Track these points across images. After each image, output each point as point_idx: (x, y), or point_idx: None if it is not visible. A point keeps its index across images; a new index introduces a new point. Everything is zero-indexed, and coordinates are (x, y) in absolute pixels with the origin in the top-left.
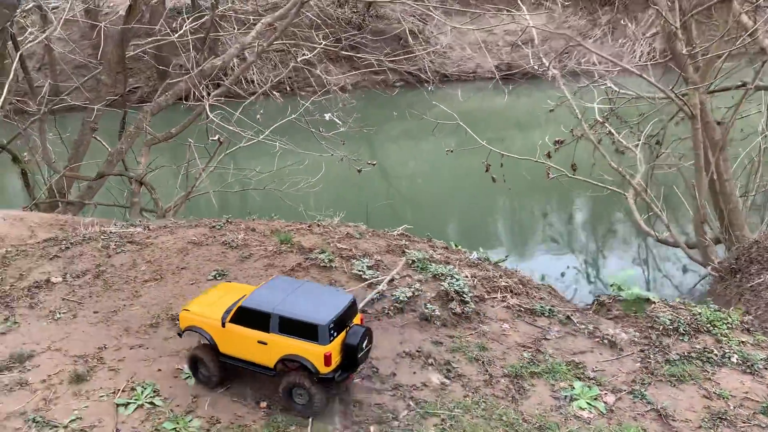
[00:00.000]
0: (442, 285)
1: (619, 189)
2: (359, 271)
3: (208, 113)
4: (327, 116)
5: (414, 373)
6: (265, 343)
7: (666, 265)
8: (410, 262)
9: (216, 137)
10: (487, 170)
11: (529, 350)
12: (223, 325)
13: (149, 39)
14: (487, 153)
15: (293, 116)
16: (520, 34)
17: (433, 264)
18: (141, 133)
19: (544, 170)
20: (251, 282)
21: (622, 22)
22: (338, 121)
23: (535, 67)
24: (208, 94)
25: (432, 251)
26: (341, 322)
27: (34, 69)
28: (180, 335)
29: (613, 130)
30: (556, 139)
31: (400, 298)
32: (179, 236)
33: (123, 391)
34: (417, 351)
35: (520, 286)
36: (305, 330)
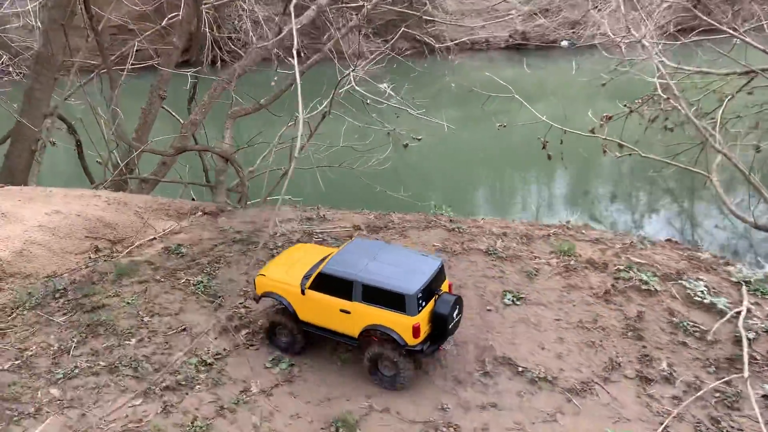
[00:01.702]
0: None
1: (699, 170)
2: (699, 296)
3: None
4: (382, 86)
5: None
6: (348, 312)
7: None
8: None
9: (324, 107)
10: (544, 147)
11: None
12: (303, 292)
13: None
14: (533, 126)
15: (347, 87)
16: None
17: None
18: (216, 102)
19: (596, 147)
20: None
21: None
22: (393, 93)
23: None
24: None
25: None
26: (429, 290)
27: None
28: (257, 300)
29: (684, 107)
30: (605, 114)
31: None
32: (417, 241)
33: None
34: None
35: None
36: (392, 299)
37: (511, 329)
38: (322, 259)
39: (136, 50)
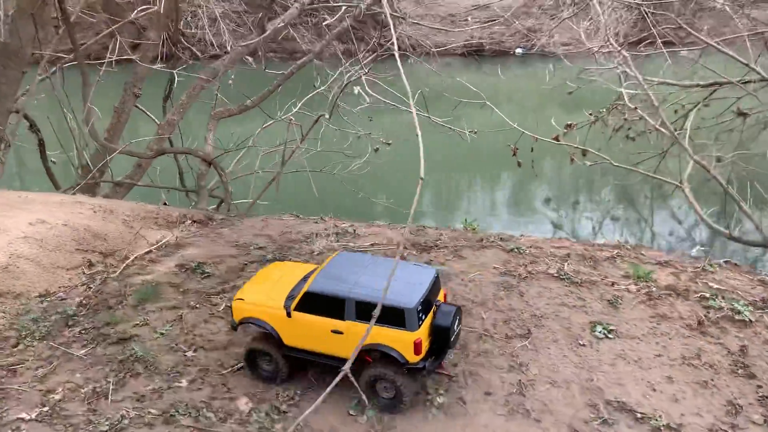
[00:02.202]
0: None
1: (672, 180)
2: None
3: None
4: (356, 90)
5: None
6: (340, 333)
7: None
8: None
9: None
10: (514, 154)
11: None
12: (289, 314)
13: None
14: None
15: (322, 88)
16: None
17: None
18: (195, 100)
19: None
20: None
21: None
22: (366, 96)
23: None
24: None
25: None
26: (427, 302)
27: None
28: (234, 328)
29: (663, 117)
30: (567, 123)
31: None
32: (475, 262)
33: None
34: None
35: None
36: (389, 315)
37: (611, 367)
38: (305, 278)
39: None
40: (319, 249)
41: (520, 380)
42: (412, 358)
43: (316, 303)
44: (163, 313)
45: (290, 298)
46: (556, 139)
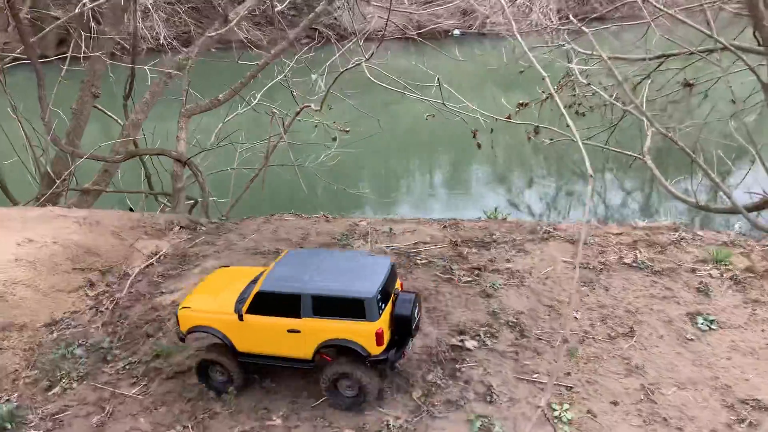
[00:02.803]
0: None
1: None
2: None
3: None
4: (314, 77)
5: None
6: (297, 331)
7: None
8: None
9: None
10: (474, 136)
11: None
12: (241, 318)
13: None
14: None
15: (281, 77)
16: None
17: None
18: (159, 97)
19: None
20: None
21: None
22: (322, 85)
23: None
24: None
25: None
26: (386, 291)
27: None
28: (182, 339)
29: (630, 94)
30: (520, 101)
31: None
32: (543, 256)
33: None
34: None
35: None
36: (348, 307)
37: (729, 361)
38: (255, 280)
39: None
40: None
41: (642, 385)
42: (375, 349)
43: (269, 303)
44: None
45: (241, 301)
46: (509, 118)
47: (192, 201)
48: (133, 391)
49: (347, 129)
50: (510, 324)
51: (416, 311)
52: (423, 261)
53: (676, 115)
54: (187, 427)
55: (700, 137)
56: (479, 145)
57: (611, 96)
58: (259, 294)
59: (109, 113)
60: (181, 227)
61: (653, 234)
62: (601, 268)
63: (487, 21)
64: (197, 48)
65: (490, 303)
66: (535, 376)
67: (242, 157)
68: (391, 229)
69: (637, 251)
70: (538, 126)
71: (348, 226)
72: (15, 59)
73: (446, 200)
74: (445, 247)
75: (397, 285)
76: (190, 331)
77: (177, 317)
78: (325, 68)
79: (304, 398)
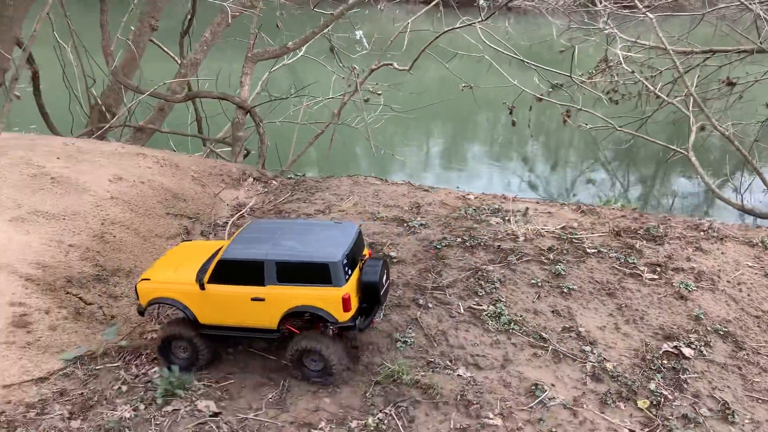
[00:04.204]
0: None
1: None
2: None
3: None
4: (358, 35)
5: None
6: (261, 300)
7: None
8: None
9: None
10: (510, 112)
11: None
12: (202, 287)
13: None
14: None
15: (324, 32)
16: None
17: None
18: (219, 38)
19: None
20: None
21: None
22: (366, 43)
23: None
24: None
25: None
26: (352, 258)
27: None
28: (141, 313)
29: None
30: (555, 82)
31: None
32: (724, 259)
33: None
34: None
35: None
36: (313, 272)
37: None
38: (216, 252)
39: None
40: (519, 232)
41: None
42: (342, 316)
43: (231, 271)
44: (388, 314)
45: (203, 271)
46: (539, 99)
47: (244, 151)
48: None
49: (380, 92)
50: (720, 333)
51: (384, 278)
52: (591, 249)
53: (716, 114)
54: (390, 415)
55: (736, 137)
56: (514, 123)
57: (652, 86)
58: (221, 262)
59: (165, 49)
60: (254, 179)
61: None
62: None
63: None
64: None
65: (688, 306)
66: None
67: (302, 111)
68: (527, 209)
69: None
70: (576, 109)
71: (455, 198)
72: None
73: (517, 179)
74: (604, 236)
75: (365, 252)
76: (150, 303)
77: (136, 290)
78: (408, 24)
79: None
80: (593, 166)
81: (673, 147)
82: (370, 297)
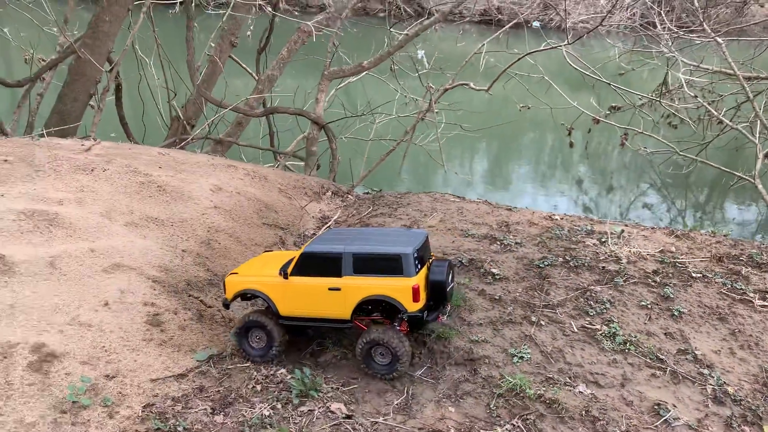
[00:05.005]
0: None
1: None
2: None
3: None
4: (420, 54)
5: None
6: (338, 289)
7: None
8: None
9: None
10: (569, 134)
11: None
12: (286, 276)
13: None
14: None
15: (390, 50)
16: None
17: None
18: (295, 55)
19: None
20: None
21: None
22: (426, 61)
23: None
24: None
25: None
26: (421, 257)
27: None
28: (227, 306)
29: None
30: (612, 105)
31: None
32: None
33: None
34: None
35: None
36: (386, 264)
37: None
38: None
39: None
40: (623, 255)
41: None
42: (411, 306)
43: (312, 264)
44: (500, 329)
45: (285, 266)
46: (597, 121)
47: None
48: (419, 372)
49: (459, 110)
50: None
51: (450, 278)
52: (696, 274)
53: None
54: (516, 425)
55: None
56: (572, 144)
57: (716, 111)
58: (303, 255)
59: (243, 65)
60: (332, 193)
61: None
62: None
63: (569, 16)
64: (347, 10)
65: None
66: None
67: (374, 128)
68: (622, 231)
69: None
70: (633, 132)
71: (542, 218)
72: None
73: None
74: (706, 261)
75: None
76: (236, 296)
77: (224, 283)
78: (483, 45)
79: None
80: (648, 190)
81: (738, 173)
82: (437, 295)
